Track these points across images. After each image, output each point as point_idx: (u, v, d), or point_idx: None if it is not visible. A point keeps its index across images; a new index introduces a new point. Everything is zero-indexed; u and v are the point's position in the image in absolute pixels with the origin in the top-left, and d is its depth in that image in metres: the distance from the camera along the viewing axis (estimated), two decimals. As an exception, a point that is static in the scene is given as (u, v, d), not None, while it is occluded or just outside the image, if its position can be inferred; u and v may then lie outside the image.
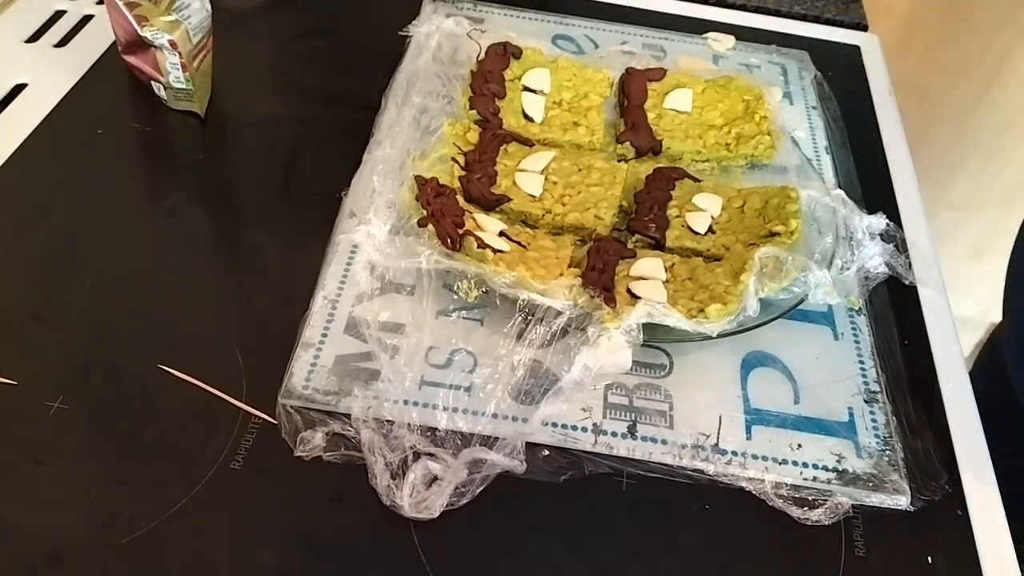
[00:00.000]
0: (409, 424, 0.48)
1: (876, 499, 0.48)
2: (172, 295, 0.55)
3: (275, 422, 0.48)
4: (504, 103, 0.66)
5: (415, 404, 0.49)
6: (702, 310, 0.51)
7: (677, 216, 0.60)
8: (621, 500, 0.48)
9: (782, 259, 0.52)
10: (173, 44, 0.62)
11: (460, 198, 0.58)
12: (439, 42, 0.71)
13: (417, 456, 0.47)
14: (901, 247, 0.60)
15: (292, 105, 0.70)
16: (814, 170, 0.66)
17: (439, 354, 0.52)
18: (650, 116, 0.67)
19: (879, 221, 0.59)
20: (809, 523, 0.47)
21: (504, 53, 0.68)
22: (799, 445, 0.50)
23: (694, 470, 0.49)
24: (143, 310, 0.54)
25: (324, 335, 0.52)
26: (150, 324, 0.53)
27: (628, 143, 0.65)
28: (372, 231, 0.55)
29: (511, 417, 0.49)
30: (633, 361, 0.50)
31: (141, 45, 0.64)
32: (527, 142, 0.64)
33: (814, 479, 0.49)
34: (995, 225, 1.36)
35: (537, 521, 0.46)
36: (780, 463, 0.49)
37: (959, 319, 0.60)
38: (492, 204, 0.59)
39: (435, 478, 0.46)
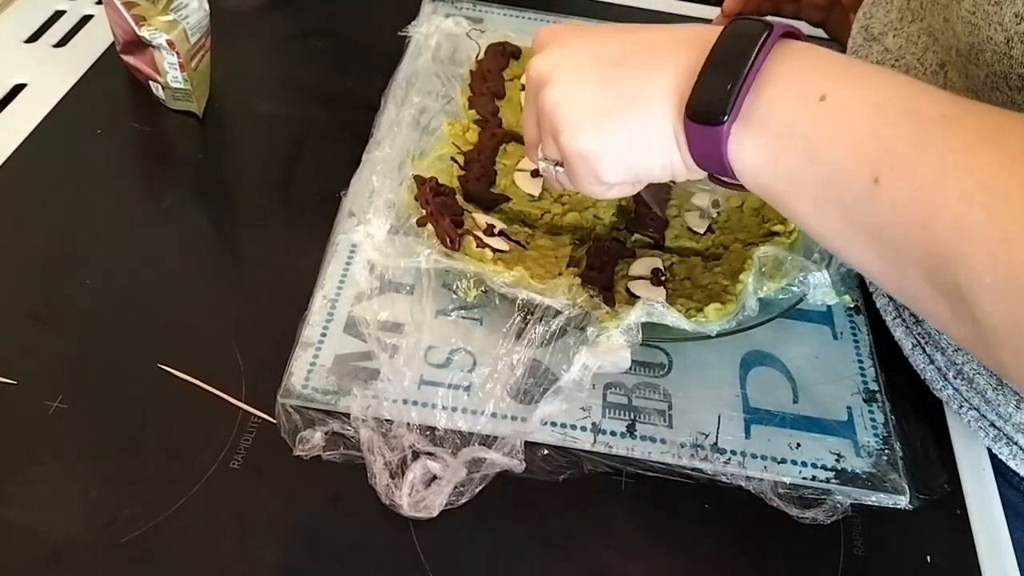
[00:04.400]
0: (408, 423, 0.48)
1: (875, 498, 0.48)
2: (172, 295, 0.55)
3: (274, 421, 0.48)
4: (503, 103, 0.66)
5: (414, 403, 0.49)
6: (701, 309, 0.51)
7: (676, 216, 0.60)
8: (620, 499, 0.48)
9: (781, 259, 0.52)
10: (171, 44, 0.62)
11: (459, 197, 0.58)
12: (438, 42, 0.71)
13: (416, 455, 0.47)
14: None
15: (292, 105, 0.70)
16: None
17: (438, 353, 0.53)
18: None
19: None
20: (808, 522, 0.47)
21: (503, 53, 0.68)
22: (798, 444, 0.50)
23: (693, 469, 0.49)
24: (143, 310, 0.54)
25: (323, 335, 0.53)
26: (150, 324, 0.53)
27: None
28: (371, 231, 0.55)
29: (510, 416, 0.49)
30: (632, 360, 0.50)
31: (139, 45, 0.64)
32: (526, 142, 0.64)
33: (813, 478, 0.49)
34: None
35: (536, 520, 0.46)
36: (779, 462, 0.49)
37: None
38: (491, 203, 0.59)
39: (434, 477, 0.46)
